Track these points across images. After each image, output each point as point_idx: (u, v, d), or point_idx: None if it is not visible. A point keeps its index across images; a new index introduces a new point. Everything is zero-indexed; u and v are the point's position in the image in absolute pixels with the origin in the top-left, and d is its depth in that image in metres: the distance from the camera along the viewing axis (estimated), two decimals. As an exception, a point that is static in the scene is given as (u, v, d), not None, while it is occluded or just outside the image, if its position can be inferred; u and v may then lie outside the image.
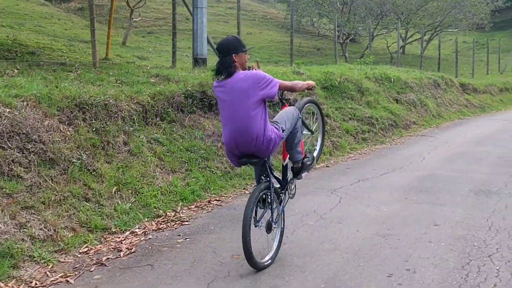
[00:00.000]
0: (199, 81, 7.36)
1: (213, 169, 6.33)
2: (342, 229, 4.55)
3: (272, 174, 3.85)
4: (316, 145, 4.72)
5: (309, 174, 5.02)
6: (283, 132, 3.70)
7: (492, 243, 4.02)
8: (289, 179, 4.08)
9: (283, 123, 3.74)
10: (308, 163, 4.03)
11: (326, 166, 8.03)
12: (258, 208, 3.68)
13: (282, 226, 3.91)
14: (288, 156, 4.00)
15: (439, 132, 11.59)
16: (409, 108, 12.81)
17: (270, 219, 3.72)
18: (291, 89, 3.95)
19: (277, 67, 10.93)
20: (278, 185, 3.97)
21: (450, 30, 29.24)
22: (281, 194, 3.93)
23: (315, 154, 4.45)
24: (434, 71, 18.08)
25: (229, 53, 3.52)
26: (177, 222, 4.90)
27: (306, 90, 4.18)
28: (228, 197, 5.87)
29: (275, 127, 3.65)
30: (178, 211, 5.24)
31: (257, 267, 3.58)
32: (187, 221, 4.94)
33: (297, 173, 4.03)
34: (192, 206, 5.43)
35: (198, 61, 8.56)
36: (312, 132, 4.52)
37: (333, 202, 5.50)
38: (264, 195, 3.71)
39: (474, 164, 7.47)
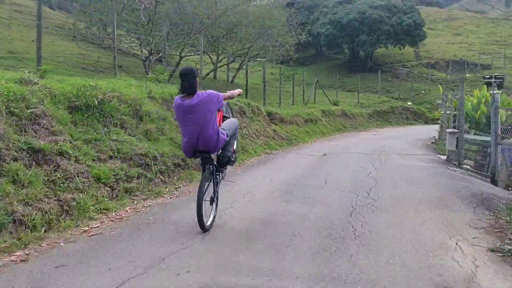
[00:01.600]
0: None
1: None
2: None
3: (213, 163, 4.98)
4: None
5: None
6: (227, 136, 4.97)
7: None
8: (220, 160, 5.19)
9: (228, 130, 5.05)
10: (232, 159, 5.29)
11: (22, 260, 3.97)
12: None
13: (217, 200, 5.19)
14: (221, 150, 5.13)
15: (241, 173, 8.51)
16: (206, 141, 9.56)
17: (213, 195, 5.01)
18: (230, 98, 5.33)
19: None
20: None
21: (258, 59, 28.12)
22: (217, 177, 5.11)
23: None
24: (242, 98, 15.56)
25: (194, 77, 4.66)
26: None
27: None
28: None
29: (222, 132, 4.87)
30: None
31: (204, 229, 4.74)
32: None
33: (224, 164, 5.24)
34: None
35: None
36: None
37: None
38: (210, 178, 4.94)
39: (283, 257, 4.18)
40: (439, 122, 17.70)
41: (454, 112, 15.44)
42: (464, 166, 10.58)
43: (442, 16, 58.50)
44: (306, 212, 5.60)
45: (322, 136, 18.68)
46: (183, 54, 21.62)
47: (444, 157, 11.38)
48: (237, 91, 5.44)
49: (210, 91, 4.73)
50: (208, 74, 23.64)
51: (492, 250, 4.09)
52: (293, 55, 25.72)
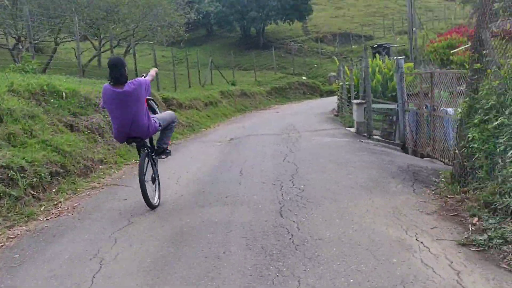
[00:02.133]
0: None
1: None
2: None
3: (147, 146, 5.21)
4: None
5: None
6: (159, 126, 5.16)
7: None
8: (156, 149, 5.45)
9: (162, 121, 5.25)
10: (167, 151, 5.54)
11: None
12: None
13: (159, 179, 5.39)
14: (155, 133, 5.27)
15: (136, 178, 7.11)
16: (93, 138, 7.93)
17: (153, 174, 5.25)
18: (152, 80, 5.28)
19: None
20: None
21: (147, 42, 26.05)
22: (153, 157, 5.34)
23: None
24: (132, 84, 13.85)
25: (123, 67, 4.76)
26: None
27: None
28: None
29: (154, 121, 5.07)
30: None
31: (152, 207, 5.03)
32: None
33: (160, 153, 5.47)
34: None
35: None
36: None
37: None
38: (146, 159, 5.11)
39: None
40: (338, 94, 17.62)
41: (349, 83, 15.32)
42: (374, 137, 10.25)
43: (323, -9, 60.18)
44: (227, 218, 4.47)
45: (224, 119, 17.64)
46: (59, 40, 18.93)
47: (353, 130, 10.99)
48: (153, 70, 5.57)
49: (139, 78, 4.94)
50: (91, 60, 21.14)
51: (463, 244, 3.34)
52: (184, 35, 24.07)
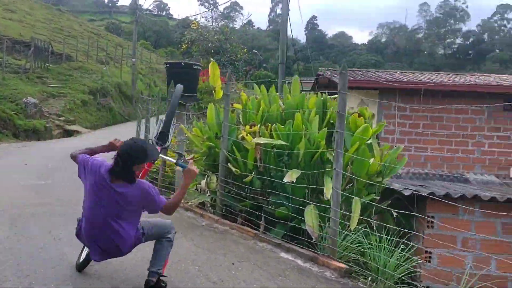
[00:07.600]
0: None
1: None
2: None
3: None
4: None
5: None
6: (142, 235, 3.39)
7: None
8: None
9: (150, 227, 3.46)
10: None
11: None
12: None
13: None
14: None
15: None
16: None
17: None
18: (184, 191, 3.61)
19: None
20: None
21: None
22: None
23: None
24: None
25: (138, 163, 3.33)
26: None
27: None
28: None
29: (139, 233, 3.43)
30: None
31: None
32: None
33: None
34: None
35: None
36: None
37: None
38: None
39: None
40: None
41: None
42: None
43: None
44: None
45: None
46: None
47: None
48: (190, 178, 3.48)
49: (151, 188, 3.38)
50: None
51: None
52: None
